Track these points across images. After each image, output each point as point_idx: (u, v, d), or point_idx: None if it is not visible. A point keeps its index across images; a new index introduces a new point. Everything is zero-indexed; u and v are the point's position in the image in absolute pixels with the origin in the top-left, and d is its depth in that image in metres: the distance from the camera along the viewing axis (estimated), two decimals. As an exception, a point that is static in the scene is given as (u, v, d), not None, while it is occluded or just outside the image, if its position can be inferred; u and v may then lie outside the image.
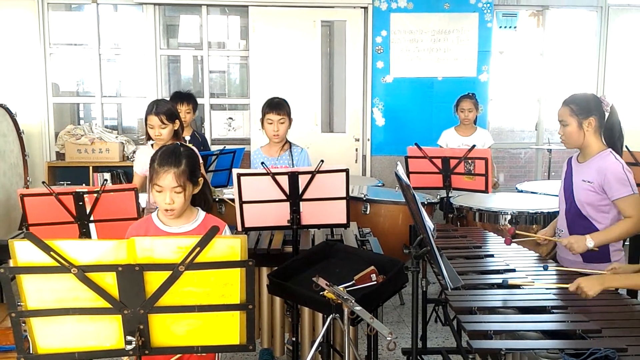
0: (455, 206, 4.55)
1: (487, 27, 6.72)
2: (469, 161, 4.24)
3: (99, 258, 1.64)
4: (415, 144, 4.40)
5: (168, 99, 4.87)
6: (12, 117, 5.48)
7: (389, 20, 6.63)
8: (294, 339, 3.16)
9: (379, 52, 6.66)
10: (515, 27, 7.13)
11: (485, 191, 4.26)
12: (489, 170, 4.19)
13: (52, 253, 1.58)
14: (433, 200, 4.73)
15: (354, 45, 6.68)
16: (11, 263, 3.45)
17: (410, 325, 4.40)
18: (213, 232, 1.66)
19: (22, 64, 6.47)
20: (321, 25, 6.66)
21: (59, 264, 1.60)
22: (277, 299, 3.26)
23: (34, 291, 1.65)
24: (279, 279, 2.65)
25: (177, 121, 3.68)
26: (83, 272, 1.62)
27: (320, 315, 3.17)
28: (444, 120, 5.92)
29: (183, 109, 4.59)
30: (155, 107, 3.61)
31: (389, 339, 1.86)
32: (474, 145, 4.32)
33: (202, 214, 2.46)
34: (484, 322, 2.20)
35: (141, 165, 3.77)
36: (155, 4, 6.56)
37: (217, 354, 2.41)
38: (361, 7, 6.61)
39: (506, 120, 8.31)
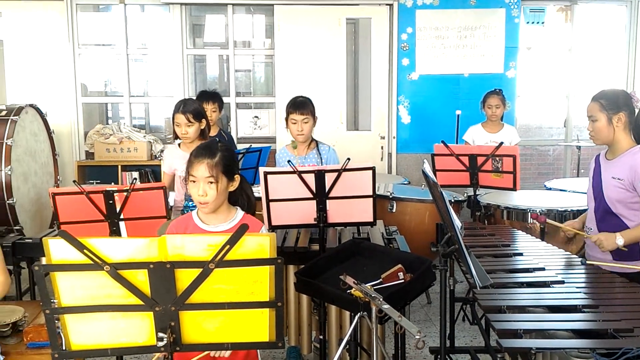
0: (482, 204, 4.51)
1: (514, 22, 6.65)
2: (497, 158, 4.21)
3: (131, 255, 1.66)
4: (442, 142, 4.38)
5: (194, 98, 4.91)
6: (43, 117, 5.58)
7: (415, 16, 6.60)
8: (321, 337, 3.16)
9: (405, 49, 6.64)
10: (543, 23, 7.04)
11: (514, 189, 4.22)
12: (517, 168, 4.15)
13: (85, 251, 1.61)
14: (460, 198, 4.71)
15: (379, 43, 6.66)
16: (44, 260, 3.51)
17: (437, 324, 4.38)
18: (242, 229, 1.67)
19: (52, 64, 6.59)
20: (346, 22, 6.65)
21: (92, 262, 1.62)
22: (304, 297, 3.27)
23: (68, 288, 1.68)
24: (306, 277, 2.65)
25: (203, 120, 3.71)
26: (115, 270, 1.65)
27: (347, 313, 3.17)
28: (471, 117, 5.86)
29: (209, 108, 4.63)
30: (183, 106, 3.66)
31: (417, 337, 1.86)
32: (501, 143, 4.28)
33: (240, 213, 2.49)
34: (514, 320, 2.18)
35: (169, 164, 3.82)
36: (181, 4, 6.61)
37: (258, 352, 2.43)
38: (386, 4, 6.59)
39: (534, 117, 8.21)
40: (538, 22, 7.01)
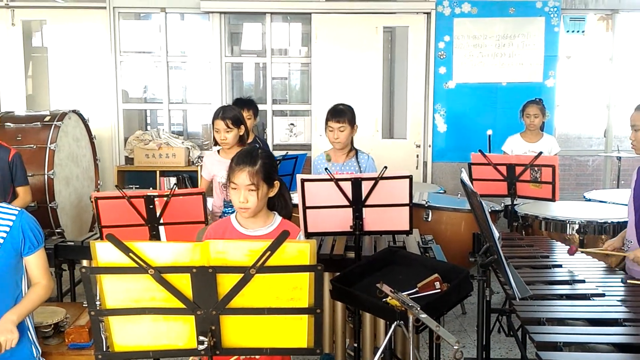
0: (520, 214, 4.46)
1: (554, 31, 6.57)
2: (536, 168, 4.15)
3: (175, 260, 1.70)
4: (479, 151, 4.34)
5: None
6: (85, 122, 5.71)
7: (453, 25, 6.57)
8: (355, 344, 3.16)
9: (442, 57, 6.61)
10: (583, 32, 6.93)
11: (552, 199, 4.16)
12: (556, 178, 4.09)
13: (130, 254, 1.65)
14: (497, 208, 4.66)
15: (416, 51, 6.65)
16: (85, 263, 3.58)
17: (472, 335, 4.34)
18: (283, 236, 1.69)
19: (94, 71, 6.74)
20: (383, 31, 6.66)
21: (137, 265, 1.66)
22: (339, 305, 3.27)
23: (113, 291, 1.72)
24: (342, 284, 2.66)
25: (242, 126, 3.76)
26: (159, 273, 1.68)
27: (381, 321, 3.17)
28: (508, 126, 5.82)
29: (244, 115, 4.67)
30: (222, 112, 3.71)
31: (455, 347, 1.85)
32: (540, 152, 4.23)
33: (278, 218, 2.50)
34: (553, 333, 2.16)
35: (208, 170, 3.87)
36: (220, 13, 6.70)
37: (291, 357, 2.44)
38: (424, 13, 6.58)
39: (573, 127, 8.08)
40: (578, 31, 6.91)
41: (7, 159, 3.74)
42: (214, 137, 3.82)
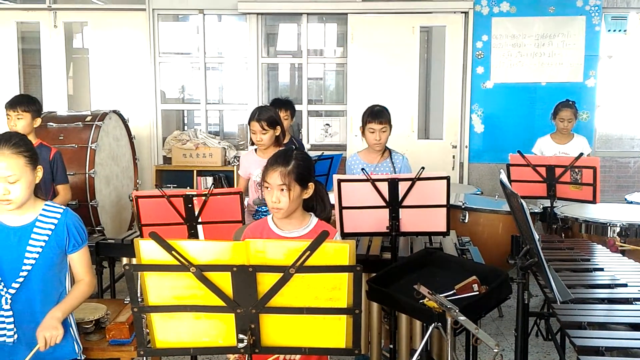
0: (559, 217, 4.38)
1: (595, 30, 6.44)
2: (576, 170, 4.08)
3: (215, 258, 1.72)
4: (518, 152, 4.29)
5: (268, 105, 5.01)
6: (125, 123, 5.82)
7: (491, 24, 6.50)
8: (391, 346, 3.15)
9: (480, 57, 6.54)
10: (625, 31, 6.78)
11: (593, 202, 4.08)
12: (597, 180, 4.01)
13: (173, 252, 1.67)
14: (535, 210, 4.59)
15: (453, 51, 6.59)
16: (125, 260, 3.64)
17: (509, 338, 4.28)
18: (323, 236, 1.70)
19: (134, 72, 6.85)
20: (420, 31, 6.62)
21: (179, 263, 1.69)
22: (375, 305, 3.27)
23: (155, 288, 1.75)
24: (378, 285, 2.65)
25: (278, 127, 3.78)
26: (201, 271, 1.70)
27: (417, 323, 3.15)
28: (547, 127, 5.71)
29: (281, 116, 4.69)
30: (258, 114, 3.74)
31: (495, 350, 1.83)
32: (581, 154, 4.15)
33: (314, 219, 2.50)
34: (595, 337, 2.12)
35: (244, 169, 3.91)
36: (258, 14, 6.75)
37: (328, 356, 2.45)
38: (461, 12, 6.52)
39: (614, 128, 7.90)
40: (620, 30, 6.76)
41: (49, 157, 3.83)
42: (250, 138, 3.85)
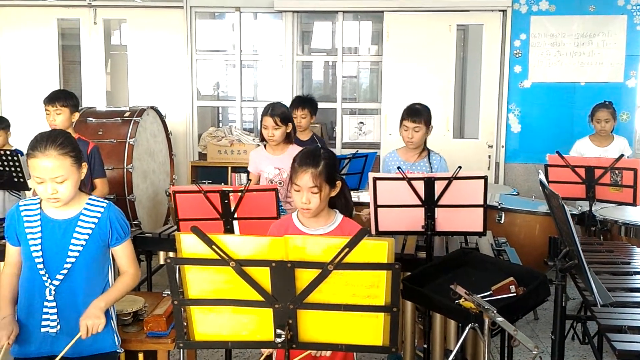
0: (598, 219, 4.30)
1: (636, 30, 6.30)
2: (616, 171, 4.00)
3: (255, 253, 1.73)
4: (557, 152, 4.22)
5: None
6: (162, 119, 5.90)
7: (529, 23, 6.41)
8: (425, 345, 3.14)
9: (517, 56, 6.46)
10: (668, 30, 6.61)
11: (633, 204, 4.00)
12: (638, 182, 3.92)
13: (213, 246, 1.69)
14: (574, 212, 4.51)
15: (490, 50, 6.52)
16: (162, 254, 3.69)
17: (544, 341, 4.22)
18: (362, 233, 1.70)
19: (171, 69, 6.93)
20: (456, 29, 6.56)
21: (219, 257, 1.71)
22: (408, 304, 3.25)
23: (195, 281, 1.78)
24: (413, 284, 2.64)
25: (290, 124, 3.80)
26: (240, 266, 1.72)
27: (452, 323, 3.12)
28: (586, 127, 5.61)
29: (299, 114, 4.68)
30: (271, 109, 3.77)
31: (534, 352, 1.81)
32: (622, 155, 4.07)
33: (339, 216, 2.51)
34: (636, 342, 2.08)
35: (255, 165, 3.94)
36: (293, 12, 6.77)
37: (355, 354, 2.45)
38: (499, 10, 6.44)
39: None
40: (662, 29, 6.60)
41: (86, 152, 3.89)
42: (261, 133, 3.87)
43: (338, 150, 6.81)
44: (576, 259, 2.26)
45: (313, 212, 2.40)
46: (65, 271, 2.35)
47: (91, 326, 2.28)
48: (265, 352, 2.19)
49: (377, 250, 1.71)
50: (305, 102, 4.83)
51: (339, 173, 2.95)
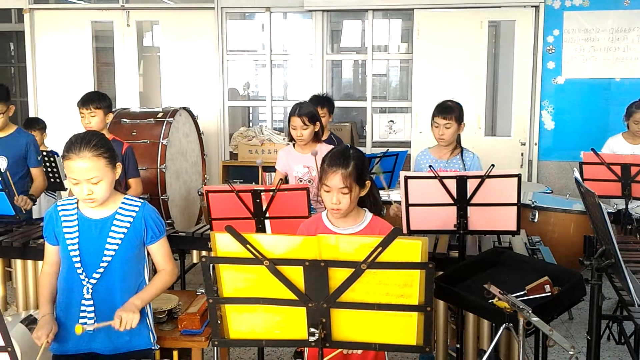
0: (634, 217, 4.22)
1: (674, 23, 6.16)
2: (653, 169, 3.92)
3: (288, 252, 1.75)
4: (592, 149, 4.15)
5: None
6: (194, 119, 5.96)
7: (562, 18, 6.31)
8: (457, 345, 3.12)
9: (550, 52, 6.36)
10: None
11: (672, 202, 3.91)
12: (677, 180, 3.84)
13: (248, 245, 1.71)
14: (609, 210, 4.43)
15: (523, 46, 6.44)
16: (195, 253, 3.73)
17: (579, 341, 4.16)
18: (395, 233, 1.70)
19: (202, 70, 7.00)
20: (488, 25, 6.50)
21: (253, 256, 1.72)
22: (441, 304, 3.23)
23: (230, 280, 1.80)
24: (446, 283, 2.63)
25: (317, 123, 3.81)
26: (274, 265, 1.73)
27: (485, 323, 3.10)
28: (622, 123, 5.51)
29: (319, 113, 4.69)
30: (299, 109, 3.78)
31: (571, 352, 1.79)
32: (659, 152, 3.99)
33: (369, 215, 2.50)
34: (676, 343, 2.04)
35: (283, 164, 3.96)
36: (323, 11, 6.78)
37: (386, 353, 2.45)
38: (532, 6, 6.36)
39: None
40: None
41: (121, 152, 3.95)
42: (289, 133, 3.89)
43: (368, 149, 6.80)
44: (613, 257, 2.22)
45: (343, 213, 2.40)
46: (101, 269, 2.39)
47: (125, 319, 2.31)
48: None
49: (410, 249, 1.71)
50: (323, 101, 4.84)
51: (369, 172, 2.95)
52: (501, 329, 2.26)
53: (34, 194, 3.90)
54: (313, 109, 3.86)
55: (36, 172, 4.01)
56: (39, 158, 4.03)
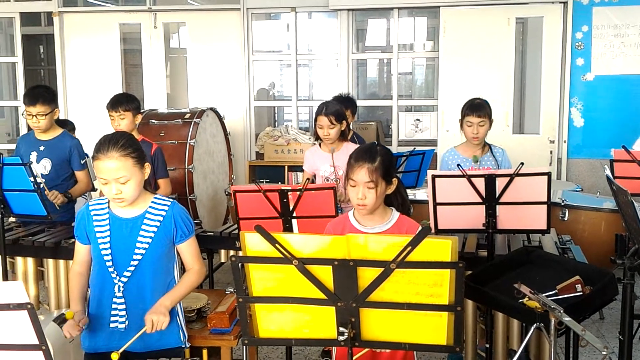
0: (667, 215, 4.14)
1: None
2: (687, 166, 3.84)
3: (317, 252, 1.75)
4: (623, 147, 4.08)
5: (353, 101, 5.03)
6: (221, 119, 6.00)
7: (591, 14, 6.21)
8: (487, 345, 3.09)
9: (579, 48, 6.27)
10: None
11: None
12: None
13: (277, 245, 1.72)
14: (642, 208, 4.36)
15: (551, 42, 6.35)
16: (222, 252, 3.76)
17: (610, 341, 4.10)
18: (425, 232, 1.69)
19: (228, 70, 7.04)
20: (515, 22, 6.43)
21: (282, 256, 1.73)
22: (469, 303, 3.21)
23: (259, 279, 1.81)
24: (475, 283, 2.61)
25: (344, 122, 3.82)
26: (303, 264, 1.74)
27: (515, 323, 3.07)
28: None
29: None
30: (325, 108, 3.79)
31: (604, 353, 1.76)
32: (693, 149, 3.90)
33: (396, 214, 2.49)
34: None
35: (310, 164, 3.98)
36: (349, 10, 6.77)
37: (415, 353, 2.44)
38: (560, 2, 6.27)
39: None
40: None
41: (150, 153, 4.00)
42: (315, 132, 3.89)
43: (394, 148, 6.78)
44: (647, 257, 2.19)
45: (369, 209, 2.38)
46: (132, 268, 2.43)
47: (156, 322, 2.35)
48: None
49: (441, 248, 1.70)
50: (346, 102, 4.84)
51: (396, 171, 2.94)
52: (532, 329, 2.24)
53: (71, 194, 3.96)
54: (340, 108, 3.87)
55: (80, 175, 4.07)
56: (82, 162, 4.08)
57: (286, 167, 6.73)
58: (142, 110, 4.57)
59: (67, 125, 5.42)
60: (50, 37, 7.64)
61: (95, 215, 2.49)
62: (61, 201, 3.81)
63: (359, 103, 7.46)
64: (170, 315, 2.44)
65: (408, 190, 4.55)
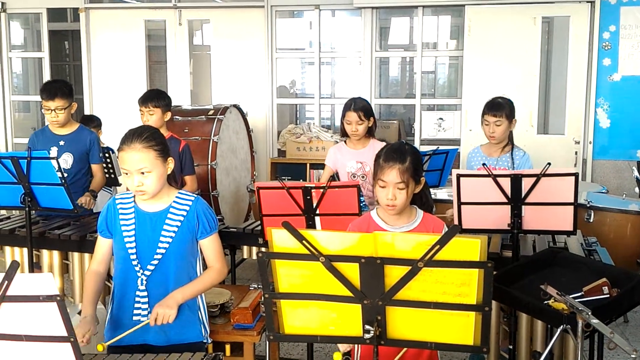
0: (696, 218, 4.08)
1: None
2: None
3: (344, 249, 1.74)
4: (651, 149, 4.03)
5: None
6: (244, 116, 6.02)
7: (619, 14, 6.13)
8: (510, 346, 3.06)
9: (606, 48, 6.18)
10: None
11: None
12: None
13: (304, 241, 1.72)
14: (670, 211, 4.30)
15: (577, 42, 6.28)
16: (245, 248, 3.77)
17: (634, 344, 4.05)
18: (453, 231, 1.68)
19: (252, 67, 7.06)
20: (541, 21, 6.37)
21: (309, 252, 1.73)
22: (493, 304, 3.18)
23: (286, 275, 1.80)
24: (499, 283, 2.58)
25: (372, 118, 3.79)
26: (329, 261, 1.73)
27: (539, 324, 3.04)
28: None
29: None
30: (354, 104, 3.77)
31: (633, 356, 1.74)
32: None
33: (420, 213, 2.46)
34: None
35: (333, 160, 3.95)
36: (373, 8, 6.75)
37: (438, 352, 2.42)
38: (587, 2, 6.19)
39: None
40: None
41: (178, 149, 4.02)
42: (342, 129, 3.87)
43: (417, 147, 6.74)
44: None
45: (398, 209, 2.36)
46: (156, 262, 2.44)
47: (161, 315, 2.35)
48: (343, 347, 2.18)
49: (469, 247, 1.68)
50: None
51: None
52: (558, 330, 2.21)
53: (95, 190, 4.00)
54: (367, 104, 3.86)
55: (96, 169, 4.10)
56: (100, 155, 4.12)
57: (308, 164, 6.73)
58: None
59: (93, 122, 5.48)
60: (76, 33, 7.73)
61: (122, 209, 2.51)
62: (93, 204, 3.88)
63: (381, 102, 7.46)
64: (191, 310, 2.45)
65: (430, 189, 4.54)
